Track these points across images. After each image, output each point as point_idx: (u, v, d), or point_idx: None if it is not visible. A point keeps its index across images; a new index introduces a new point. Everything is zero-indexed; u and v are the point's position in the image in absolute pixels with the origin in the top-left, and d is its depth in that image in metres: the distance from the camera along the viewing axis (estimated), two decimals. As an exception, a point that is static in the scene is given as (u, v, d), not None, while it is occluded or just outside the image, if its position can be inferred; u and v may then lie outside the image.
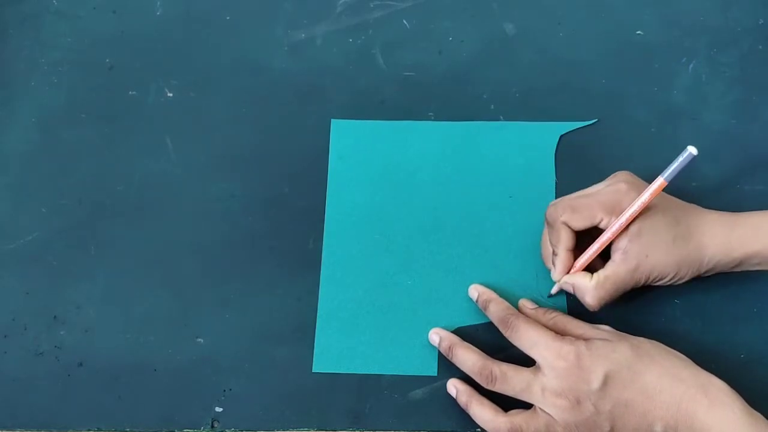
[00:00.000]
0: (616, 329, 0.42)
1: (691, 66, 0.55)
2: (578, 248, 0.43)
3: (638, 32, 0.56)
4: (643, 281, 0.42)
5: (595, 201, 0.42)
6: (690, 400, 0.37)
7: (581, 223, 0.42)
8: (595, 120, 0.52)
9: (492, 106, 0.53)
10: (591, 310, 0.42)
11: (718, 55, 0.55)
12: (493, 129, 0.52)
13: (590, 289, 0.42)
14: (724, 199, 0.47)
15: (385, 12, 0.58)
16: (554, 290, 0.45)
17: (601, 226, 0.42)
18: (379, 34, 0.57)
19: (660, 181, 0.39)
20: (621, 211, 0.41)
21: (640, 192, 0.40)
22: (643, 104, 0.53)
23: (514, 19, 0.57)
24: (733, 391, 0.37)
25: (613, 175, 0.44)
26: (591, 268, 0.43)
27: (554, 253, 0.44)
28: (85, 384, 0.45)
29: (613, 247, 0.42)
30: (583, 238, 0.43)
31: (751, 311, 0.46)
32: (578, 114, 0.53)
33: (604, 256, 0.43)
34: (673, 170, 0.39)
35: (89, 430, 0.44)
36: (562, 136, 0.52)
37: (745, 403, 0.37)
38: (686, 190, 0.50)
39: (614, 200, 0.41)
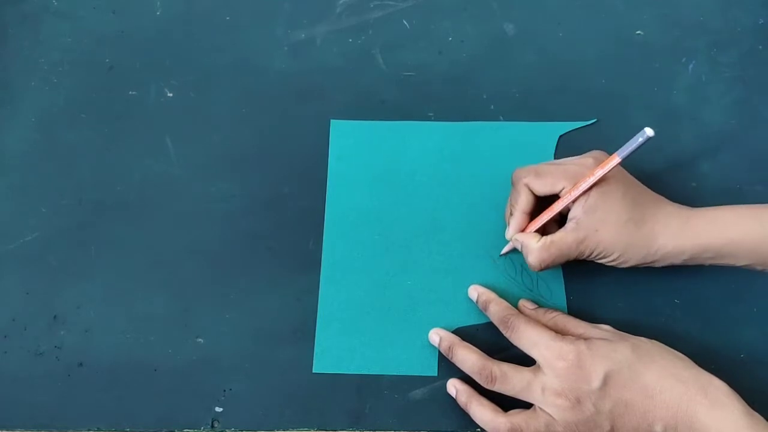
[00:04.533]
0: (616, 329, 0.42)
1: (691, 66, 0.55)
2: (537, 213, 0.45)
3: (638, 32, 0.57)
4: (587, 254, 0.43)
5: (560, 170, 0.43)
6: (690, 401, 0.37)
7: (542, 189, 0.43)
8: (595, 120, 0.52)
9: (492, 106, 0.53)
10: (531, 269, 0.44)
11: (718, 55, 0.55)
12: (493, 129, 0.52)
13: (534, 249, 0.43)
14: (724, 199, 0.47)
15: (385, 12, 0.58)
16: (505, 250, 0.47)
17: (562, 194, 0.43)
18: (379, 34, 0.57)
19: (615, 159, 0.40)
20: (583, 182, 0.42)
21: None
22: (643, 104, 0.53)
23: (514, 19, 0.57)
24: (733, 391, 0.37)
25: (588, 152, 0.45)
26: (545, 234, 0.44)
27: (510, 213, 0.46)
28: (85, 384, 0.45)
29: (569, 216, 0.43)
30: (545, 205, 0.44)
31: (751, 311, 0.46)
32: (578, 114, 0.53)
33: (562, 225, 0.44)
34: (628, 149, 0.40)
35: (89, 430, 0.44)
36: (561, 136, 0.52)
37: (745, 404, 0.37)
38: (686, 190, 0.50)
39: (578, 172, 0.43)
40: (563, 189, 0.43)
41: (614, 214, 0.42)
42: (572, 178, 0.42)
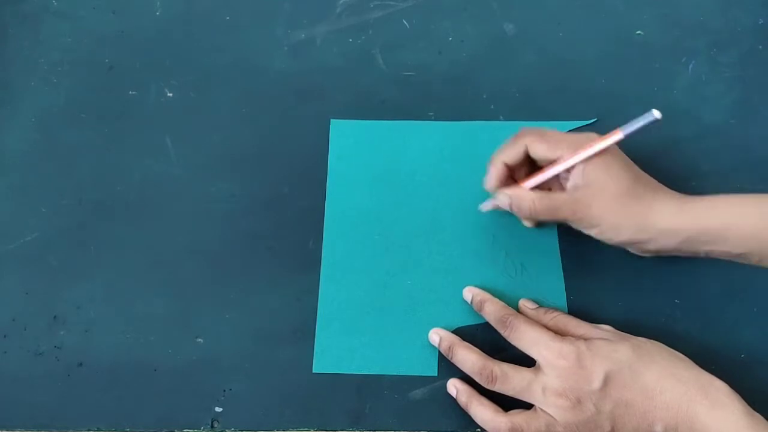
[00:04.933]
0: (616, 329, 0.42)
1: (691, 66, 0.55)
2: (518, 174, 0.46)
3: (638, 32, 0.57)
4: (577, 216, 0.42)
5: (564, 138, 0.43)
6: (690, 401, 0.37)
7: (540, 151, 0.43)
8: (595, 119, 0.52)
9: (492, 106, 0.53)
10: (522, 218, 0.44)
11: (718, 55, 0.55)
12: (493, 129, 0.52)
13: (528, 199, 0.43)
14: (724, 199, 0.47)
15: (385, 12, 0.58)
16: (488, 206, 0.47)
17: (560, 160, 0.43)
18: (379, 34, 0.57)
19: (618, 134, 0.40)
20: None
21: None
22: (643, 104, 0.53)
23: (514, 19, 0.57)
24: (734, 392, 0.37)
25: None
26: None
27: (492, 164, 0.45)
28: (85, 384, 0.45)
29: (569, 180, 0.43)
30: (528, 172, 0.45)
31: (751, 311, 0.46)
32: (578, 114, 0.53)
33: None
34: (633, 127, 0.40)
35: (89, 430, 0.44)
36: (562, 136, 0.52)
37: (746, 404, 0.37)
38: (686, 190, 0.50)
39: (580, 143, 0.42)
40: (561, 157, 0.43)
41: (612, 184, 0.41)
42: (573, 148, 0.42)
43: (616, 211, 0.41)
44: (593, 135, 0.43)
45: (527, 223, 0.47)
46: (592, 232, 0.43)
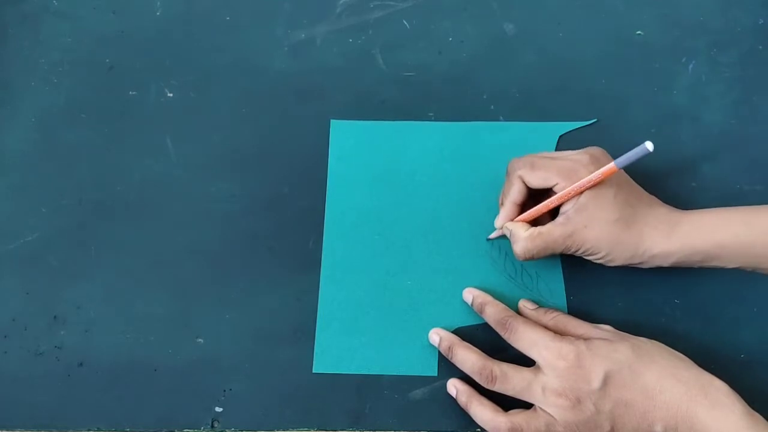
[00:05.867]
0: (616, 329, 0.42)
1: (691, 66, 0.55)
2: (531, 205, 0.45)
3: (638, 32, 0.57)
4: (573, 249, 0.43)
5: (554, 165, 0.43)
6: (690, 401, 0.37)
7: (535, 182, 0.44)
8: (595, 120, 0.52)
9: (492, 106, 0.53)
10: (516, 258, 0.44)
11: (718, 55, 0.55)
12: (493, 129, 0.52)
13: (521, 238, 0.44)
14: (724, 199, 0.47)
15: (385, 12, 0.58)
16: (494, 235, 0.48)
17: (555, 189, 0.43)
18: (379, 34, 0.57)
19: (611, 166, 0.40)
20: (576, 180, 0.42)
21: (599, 167, 0.41)
22: (643, 104, 0.53)
23: (514, 19, 0.57)
24: (734, 392, 0.37)
25: (587, 147, 0.45)
26: (536, 224, 0.45)
27: (501, 203, 0.46)
28: (85, 384, 0.45)
29: (561, 211, 0.44)
30: (537, 195, 0.45)
31: (751, 311, 0.46)
32: (578, 114, 0.53)
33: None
34: (626, 159, 0.40)
35: (89, 430, 0.44)
36: (561, 136, 0.52)
37: (746, 404, 0.37)
38: (686, 190, 0.50)
39: (572, 169, 0.43)
40: (556, 185, 0.43)
41: (604, 213, 0.42)
42: (566, 175, 0.42)
43: (608, 239, 0.42)
44: (584, 157, 0.43)
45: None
46: (590, 259, 0.44)
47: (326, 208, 0.50)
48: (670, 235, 0.42)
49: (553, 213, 0.45)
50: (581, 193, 0.42)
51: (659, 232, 0.42)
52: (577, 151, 0.44)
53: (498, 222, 0.46)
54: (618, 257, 0.42)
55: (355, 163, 0.51)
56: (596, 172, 0.41)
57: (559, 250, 0.43)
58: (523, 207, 0.46)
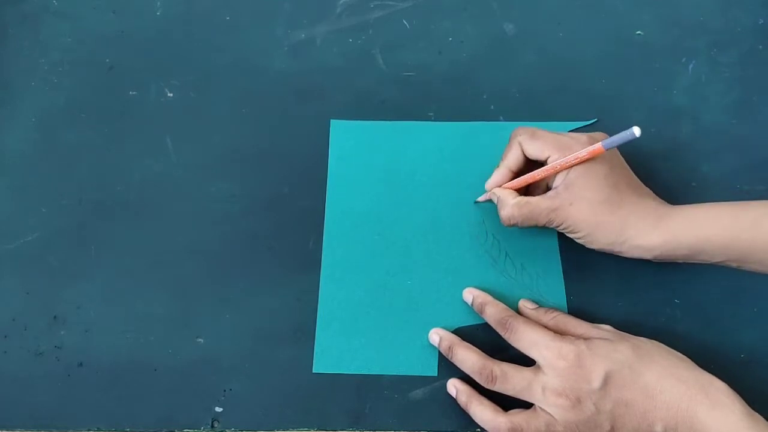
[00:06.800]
0: (616, 329, 0.42)
1: (691, 66, 0.55)
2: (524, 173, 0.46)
3: (638, 32, 0.57)
4: (555, 224, 0.43)
5: (552, 137, 0.44)
6: (690, 401, 0.37)
7: (532, 150, 0.44)
8: (595, 120, 0.52)
9: (492, 106, 0.53)
10: (501, 222, 0.45)
11: (718, 55, 0.55)
12: (493, 129, 0.52)
13: (509, 204, 0.44)
14: (724, 200, 0.47)
15: (385, 12, 0.58)
16: (482, 198, 0.49)
17: (548, 162, 0.44)
18: (379, 34, 0.57)
19: (598, 146, 0.41)
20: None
21: None
22: (643, 104, 0.53)
23: (514, 19, 0.57)
24: (734, 392, 0.37)
25: (592, 132, 0.45)
26: (526, 195, 0.45)
27: (496, 169, 0.47)
28: (85, 384, 0.45)
29: (552, 185, 0.44)
30: (534, 169, 0.45)
31: (751, 311, 0.46)
32: (578, 114, 0.53)
33: None
34: (612, 142, 0.40)
35: (89, 430, 0.44)
36: (562, 136, 0.52)
37: (746, 405, 0.37)
38: (686, 190, 0.50)
39: (567, 144, 0.43)
40: (549, 157, 0.43)
41: (591, 192, 0.42)
42: (560, 149, 0.43)
43: (592, 220, 0.42)
44: (583, 137, 0.44)
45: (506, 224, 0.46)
46: (571, 237, 0.44)
47: (326, 208, 0.50)
48: (655, 227, 0.41)
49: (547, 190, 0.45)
50: (569, 168, 0.43)
51: (645, 223, 0.42)
52: (581, 133, 0.45)
53: (489, 184, 0.47)
54: (598, 240, 0.42)
55: (355, 163, 0.51)
56: (583, 150, 0.42)
57: (542, 222, 0.43)
58: (517, 176, 0.46)
